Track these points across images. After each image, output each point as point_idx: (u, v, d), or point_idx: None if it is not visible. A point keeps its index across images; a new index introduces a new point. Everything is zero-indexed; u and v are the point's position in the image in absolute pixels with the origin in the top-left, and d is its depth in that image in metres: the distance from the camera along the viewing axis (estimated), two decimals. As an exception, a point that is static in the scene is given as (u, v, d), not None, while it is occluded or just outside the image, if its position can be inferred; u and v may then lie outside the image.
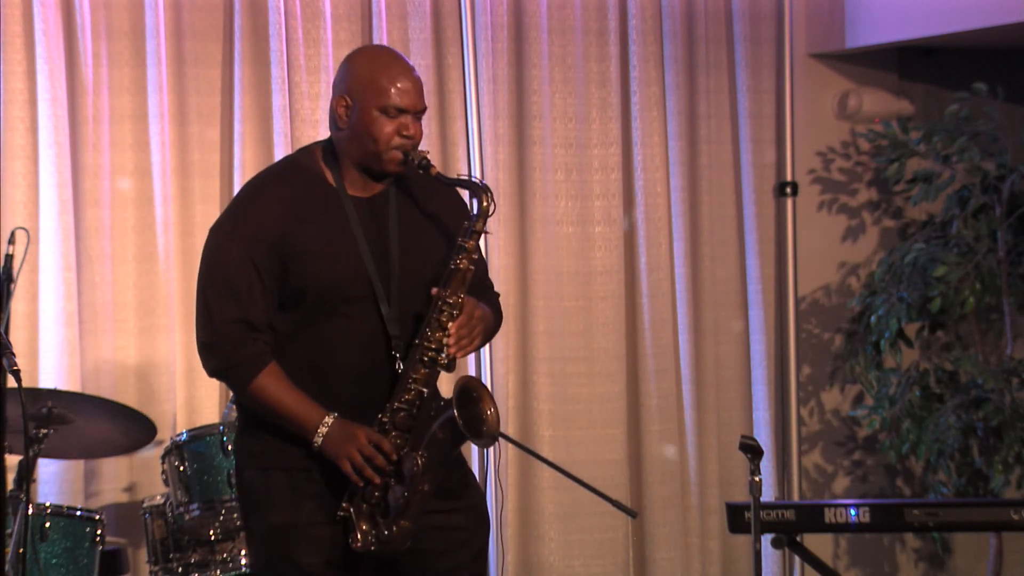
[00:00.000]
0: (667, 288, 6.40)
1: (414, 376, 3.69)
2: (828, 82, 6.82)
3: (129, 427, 5.11)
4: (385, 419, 3.69)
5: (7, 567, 4.49)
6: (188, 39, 5.80)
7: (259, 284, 3.67)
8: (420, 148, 3.75)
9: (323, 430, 3.65)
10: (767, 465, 6.43)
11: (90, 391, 5.46)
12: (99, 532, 4.96)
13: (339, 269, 3.70)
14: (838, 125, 6.85)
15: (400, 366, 3.70)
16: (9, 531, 4.65)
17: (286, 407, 3.67)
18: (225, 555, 5.11)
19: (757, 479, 4.44)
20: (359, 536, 3.67)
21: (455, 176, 3.81)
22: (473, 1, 6.11)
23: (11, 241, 4.99)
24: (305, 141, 5.89)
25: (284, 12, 5.86)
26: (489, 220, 3.76)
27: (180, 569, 5.12)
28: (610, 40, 6.34)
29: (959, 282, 6.25)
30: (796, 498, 6.56)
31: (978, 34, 6.35)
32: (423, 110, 3.77)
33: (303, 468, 3.71)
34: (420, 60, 6.02)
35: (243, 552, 5.13)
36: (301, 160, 3.84)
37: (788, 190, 6.62)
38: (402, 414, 3.69)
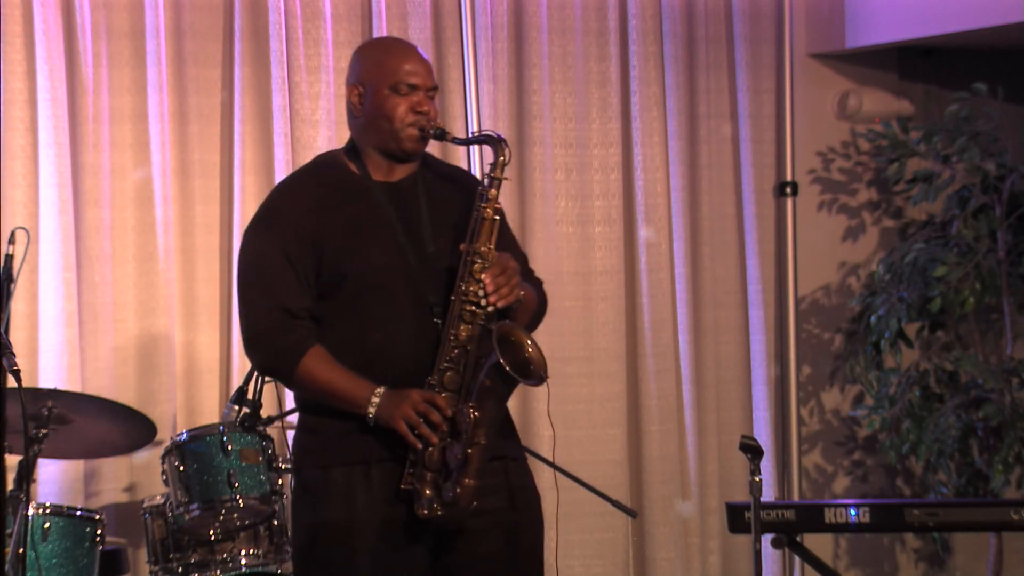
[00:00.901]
0: (667, 288, 6.40)
1: (455, 333, 3.70)
2: (828, 82, 6.82)
3: (129, 427, 5.11)
4: (434, 380, 3.69)
5: (7, 567, 4.50)
6: (188, 39, 5.80)
7: (293, 273, 3.71)
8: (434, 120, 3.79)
9: (375, 400, 3.66)
10: (767, 465, 6.43)
11: (90, 391, 5.46)
12: (99, 532, 4.96)
13: (373, 252, 3.73)
14: (838, 125, 6.85)
15: (441, 327, 3.72)
16: (9, 531, 4.65)
17: (335, 385, 3.70)
18: (225, 555, 5.11)
19: (757, 479, 4.44)
20: (423, 503, 3.66)
21: (470, 135, 3.84)
22: (473, 1, 6.11)
23: (11, 241, 4.99)
24: (305, 141, 5.91)
25: (284, 12, 5.86)
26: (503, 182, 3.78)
27: (180, 569, 5.12)
28: (610, 40, 6.34)
29: (959, 282, 6.25)
30: (796, 498, 6.56)
31: (978, 34, 6.35)
32: (434, 87, 3.81)
33: (361, 462, 3.72)
34: (420, 60, 6.03)
35: (243, 552, 5.13)
36: (325, 158, 3.92)
37: (788, 190, 6.62)
38: (449, 373, 3.70)
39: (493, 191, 3.74)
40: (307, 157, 5.86)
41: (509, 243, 3.91)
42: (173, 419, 5.70)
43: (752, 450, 4.41)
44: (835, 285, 6.86)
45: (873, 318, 6.45)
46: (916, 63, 6.89)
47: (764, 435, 6.53)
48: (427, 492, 3.67)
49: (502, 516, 3.77)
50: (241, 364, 5.72)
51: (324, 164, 3.89)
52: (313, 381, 3.72)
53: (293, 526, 3.91)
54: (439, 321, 3.72)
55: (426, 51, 6.04)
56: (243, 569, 5.06)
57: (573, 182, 6.29)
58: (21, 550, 4.67)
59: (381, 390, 3.67)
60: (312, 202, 3.77)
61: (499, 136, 3.79)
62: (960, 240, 6.30)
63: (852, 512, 4.84)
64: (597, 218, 6.30)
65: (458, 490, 3.65)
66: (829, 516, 4.85)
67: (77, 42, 5.63)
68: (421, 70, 3.78)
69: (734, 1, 6.52)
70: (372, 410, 3.67)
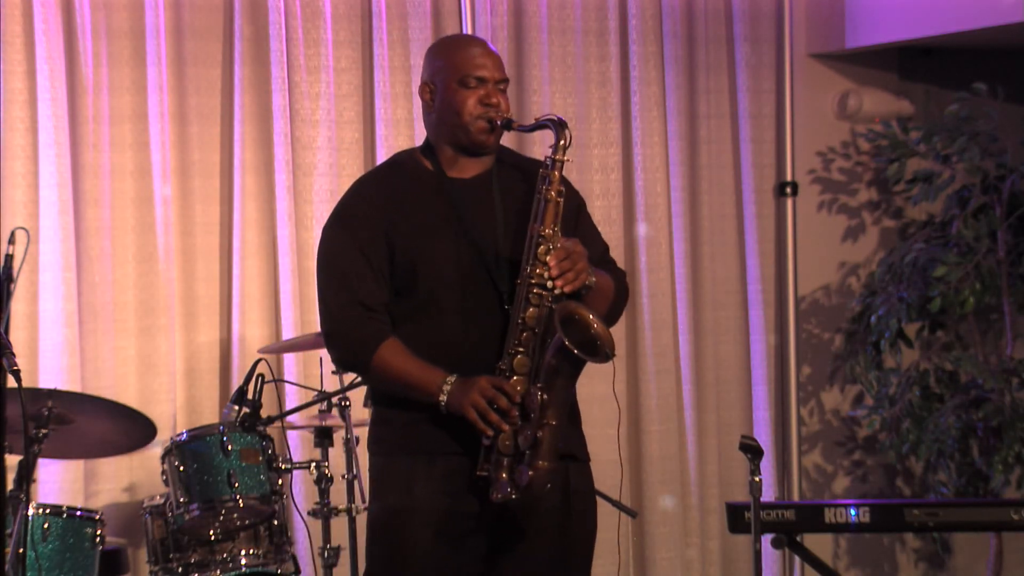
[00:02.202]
0: (667, 288, 6.40)
1: (522, 316, 3.71)
2: (828, 82, 6.82)
3: (129, 427, 5.11)
4: (504, 366, 3.71)
5: (7, 567, 4.50)
6: (188, 39, 5.80)
7: (368, 268, 3.75)
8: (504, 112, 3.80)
9: (447, 387, 3.69)
10: (767, 465, 6.43)
11: (90, 391, 5.46)
12: (99, 532, 4.95)
13: (446, 249, 3.76)
14: (838, 125, 6.86)
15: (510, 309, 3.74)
16: (9, 531, 4.65)
17: (408, 374, 3.73)
18: (225, 555, 5.11)
19: (757, 479, 4.44)
20: (499, 487, 3.67)
21: (533, 121, 3.85)
22: (473, 1, 6.11)
23: (11, 241, 4.98)
24: (305, 141, 5.91)
25: (284, 12, 5.86)
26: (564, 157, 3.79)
27: (180, 569, 5.12)
28: (610, 40, 6.34)
29: (959, 282, 6.25)
30: (796, 498, 6.56)
31: (978, 34, 6.36)
32: (504, 80, 3.83)
33: (426, 453, 3.75)
34: (420, 60, 6.02)
35: (243, 552, 5.13)
36: (399, 157, 3.95)
37: (788, 190, 6.62)
38: (519, 356, 3.70)
39: (556, 173, 3.76)
40: (307, 157, 5.89)
41: (589, 231, 3.93)
42: (173, 419, 5.70)
43: (752, 450, 4.42)
44: (835, 285, 6.86)
45: (873, 318, 6.45)
46: (916, 63, 6.89)
47: (764, 435, 6.53)
48: (502, 476, 3.68)
49: (556, 518, 3.79)
50: (241, 364, 5.73)
51: (399, 162, 3.92)
52: (388, 371, 3.75)
53: (367, 512, 3.95)
54: (508, 308, 3.74)
55: (425, 52, 6.04)
56: (243, 569, 5.06)
57: (573, 182, 6.26)
58: (21, 550, 4.67)
59: (452, 378, 3.70)
60: (386, 199, 3.80)
61: (560, 119, 3.80)
62: (960, 240, 6.30)
63: (852, 512, 4.84)
64: (597, 218, 6.24)
65: (531, 472, 3.66)
66: (829, 516, 4.85)
67: (77, 42, 5.63)
68: (489, 63, 3.80)
69: (734, 1, 6.52)
70: (444, 397, 3.70)
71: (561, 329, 3.63)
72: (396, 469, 3.79)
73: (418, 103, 5.99)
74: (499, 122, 3.78)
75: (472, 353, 3.75)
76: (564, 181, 3.82)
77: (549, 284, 3.70)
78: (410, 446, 3.77)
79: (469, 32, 6.07)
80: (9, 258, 4.96)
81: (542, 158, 3.83)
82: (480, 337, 3.75)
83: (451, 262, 3.75)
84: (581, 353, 3.63)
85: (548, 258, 3.70)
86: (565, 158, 3.78)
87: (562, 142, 3.77)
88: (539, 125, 3.85)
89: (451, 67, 3.80)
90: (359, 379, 4.97)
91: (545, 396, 3.67)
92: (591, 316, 3.68)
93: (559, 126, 3.78)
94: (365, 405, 5.25)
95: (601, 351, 3.66)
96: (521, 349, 3.71)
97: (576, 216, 3.90)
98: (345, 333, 3.78)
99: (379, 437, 3.86)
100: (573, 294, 3.75)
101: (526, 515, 3.74)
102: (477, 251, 3.76)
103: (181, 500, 5.03)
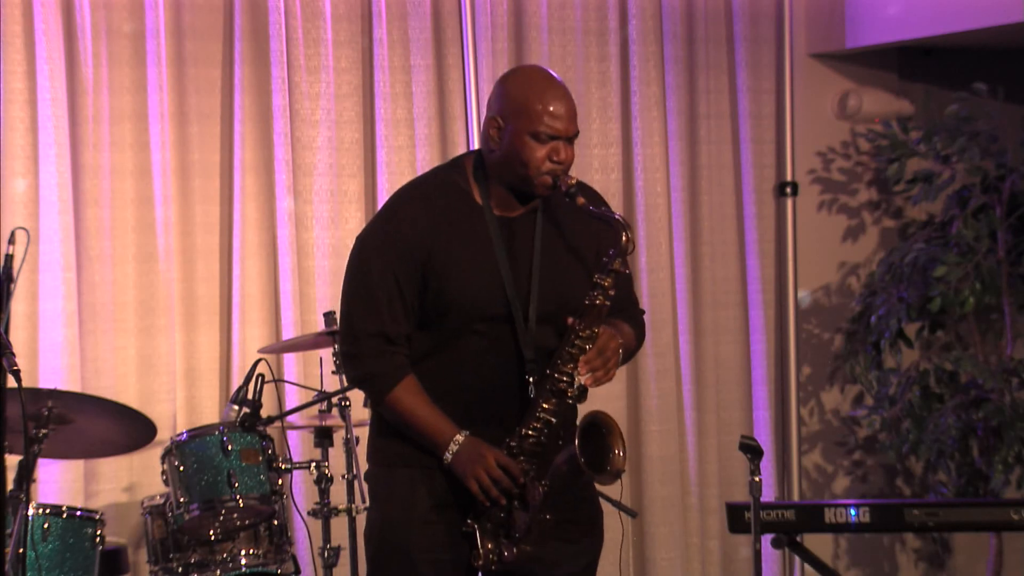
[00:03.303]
0: (667, 288, 6.41)
1: (544, 405, 3.70)
2: (828, 82, 6.82)
3: (129, 427, 5.11)
4: (513, 444, 3.71)
5: (7, 567, 4.50)
6: (188, 39, 5.80)
7: (399, 299, 3.71)
8: (569, 175, 3.72)
9: (454, 447, 3.69)
10: (767, 465, 6.43)
11: (90, 391, 5.46)
12: (99, 532, 4.96)
13: (479, 288, 3.71)
14: (838, 125, 6.86)
15: (532, 389, 3.72)
16: (9, 531, 4.65)
17: (420, 421, 3.72)
18: (225, 555, 5.11)
19: (757, 479, 4.44)
20: (481, 554, 3.71)
21: (600, 209, 3.77)
22: (473, 1, 6.11)
23: (11, 241, 4.98)
24: (305, 141, 5.90)
25: (284, 12, 5.86)
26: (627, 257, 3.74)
27: (180, 569, 5.12)
28: (610, 40, 6.34)
29: (959, 282, 6.25)
30: (796, 498, 6.56)
31: (978, 34, 6.36)
32: (575, 135, 3.74)
33: (425, 466, 3.75)
34: (420, 60, 6.02)
35: (243, 552, 5.13)
36: (451, 175, 3.83)
37: (788, 190, 6.62)
38: (530, 440, 3.71)
39: (608, 280, 3.70)
40: (307, 157, 5.89)
41: (625, 286, 3.86)
42: (173, 419, 5.70)
43: (752, 450, 4.41)
44: (835, 285, 6.86)
45: (873, 318, 6.45)
46: (916, 63, 6.89)
47: (764, 435, 6.53)
48: (488, 544, 3.71)
49: (564, 527, 3.79)
50: (241, 364, 5.73)
51: (448, 184, 3.80)
52: (401, 411, 3.74)
53: (366, 520, 3.96)
54: (530, 379, 3.72)
55: (426, 51, 6.05)
56: (243, 569, 5.06)
57: (573, 182, 6.28)
58: (21, 550, 4.67)
59: (462, 437, 3.69)
60: (428, 224, 3.72)
61: (624, 222, 3.73)
62: (960, 240, 6.30)
63: (852, 512, 4.84)
64: (597, 218, 6.29)
65: (515, 551, 3.71)
66: (829, 516, 4.85)
67: (77, 42, 5.63)
68: (565, 117, 3.69)
69: (734, 1, 6.52)
70: (449, 456, 3.70)
71: (580, 437, 3.65)
72: (395, 480, 3.78)
73: (419, 103, 6.04)
74: (563, 188, 3.69)
75: (482, 405, 3.74)
76: (618, 276, 3.74)
77: (575, 383, 3.71)
78: (409, 458, 3.77)
79: (469, 32, 6.07)
80: (9, 258, 4.96)
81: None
82: (493, 392, 3.74)
83: (479, 301, 3.71)
84: (588, 470, 3.65)
85: (581, 359, 3.69)
86: (625, 269, 3.73)
87: (624, 243, 3.69)
88: (603, 217, 3.76)
89: (526, 116, 3.68)
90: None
91: (545, 492, 3.70)
92: (616, 435, 3.71)
93: (623, 228, 3.71)
94: (365, 405, 5.25)
95: (608, 474, 3.69)
96: (534, 434, 3.70)
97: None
98: (365, 362, 3.75)
99: (379, 447, 3.86)
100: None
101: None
102: (508, 304, 3.71)
103: (181, 500, 5.03)
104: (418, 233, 3.71)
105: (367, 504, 3.98)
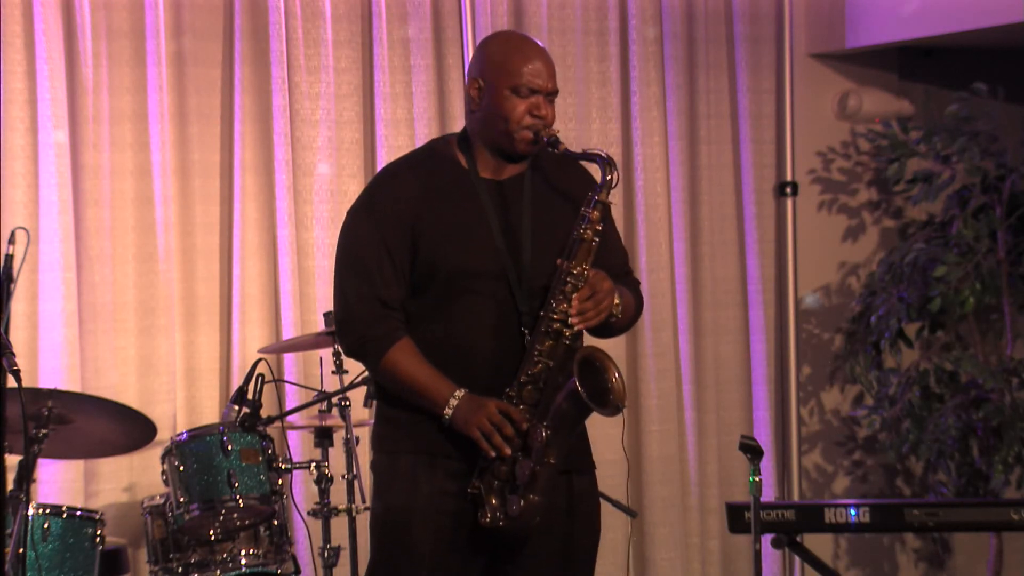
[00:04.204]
0: (667, 288, 6.40)
1: (539, 348, 3.70)
2: (828, 82, 6.82)
3: (129, 427, 5.11)
4: (512, 392, 3.70)
5: (7, 567, 4.50)
6: (188, 39, 5.80)
7: (389, 263, 3.73)
8: (550, 128, 3.77)
9: (453, 402, 3.69)
10: (767, 465, 6.43)
11: (90, 391, 5.46)
12: (99, 532, 4.95)
13: (470, 248, 3.73)
14: (838, 125, 6.86)
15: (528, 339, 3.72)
16: (9, 531, 4.65)
17: (417, 382, 3.72)
18: (225, 555, 5.11)
19: (757, 479, 4.44)
20: (488, 511, 3.68)
21: (581, 150, 3.81)
22: (473, 1, 6.11)
23: (11, 241, 4.98)
24: (305, 141, 5.91)
25: (284, 12, 5.86)
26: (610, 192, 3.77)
27: (180, 569, 5.12)
28: (610, 40, 6.34)
29: (959, 282, 6.25)
30: (796, 498, 6.56)
31: (978, 34, 6.36)
32: (555, 91, 3.79)
33: (428, 453, 3.75)
34: (420, 60, 6.02)
35: (243, 552, 5.13)
36: (435, 146, 3.90)
37: (788, 190, 6.62)
38: (529, 387, 3.70)
39: (596, 214, 3.73)
40: (307, 157, 5.89)
41: (612, 240, 3.90)
42: (173, 419, 5.70)
43: (752, 450, 4.41)
44: (835, 285, 6.86)
45: (873, 318, 6.45)
46: (916, 63, 6.89)
47: (764, 435, 6.53)
48: (492, 500, 3.69)
49: (559, 520, 3.79)
50: (241, 364, 5.73)
51: (434, 152, 3.87)
52: (397, 374, 3.74)
53: (370, 508, 3.96)
54: (526, 331, 3.72)
55: (426, 51, 6.05)
56: (243, 569, 5.06)
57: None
58: (21, 550, 4.67)
59: (461, 393, 3.69)
60: (416, 191, 3.76)
61: (608, 157, 3.77)
62: (960, 240, 6.30)
63: (852, 512, 4.84)
64: (597, 218, 6.29)
65: (523, 503, 3.67)
66: (829, 516, 4.85)
67: (77, 42, 5.62)
68: (543, 72, 3.76)
69: (734, 1, 6.52)
70: (449, 411, 3.69)
71: (578, 373, 3.63)
72: (399, 468, 3.78)
73: (419, 103, 6.03)
74: (545, 138, 3.74)
75: (481, 365, 3.73)
76: (593, 181, 3.79)
77: (570, 320, 3.70)
78: (413, 446, 3.77)
79: (469, 32, 6.07)
80: (9, 258, 4.96)
81: (580, 155, 3.79)
82: (490, 348, 3.74)
83: (471, 267, 3.73)
84: (590, 402, 3.63)
85: (572, 297, 3.69)
86: (610, 200, 3.76)
87: (609, 179, 3.74)
88: (587, 156, 3.81)
89: (505, 71, 3.75)
90: (359, 379, 4.98)
91: (549, 434, 3.67)
92: (612, 367, 3.69)
93: (608, 164, 3.75)
94: (365, 405, 5.25)
95: (612, 404, 3.67)
96: (532, 380, 3.70)
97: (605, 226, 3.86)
98: (359, 327, 3.76)
99: (383, 435, 3.86)
100: (599, 328, 3.76)
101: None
102: (499, 260, 3.74)
103: (181, 500, 5.03)
104: (405, 199, 3.74)
105: (367, 504, 3.98)
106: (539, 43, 3.84)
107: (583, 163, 3.86)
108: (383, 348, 3.73)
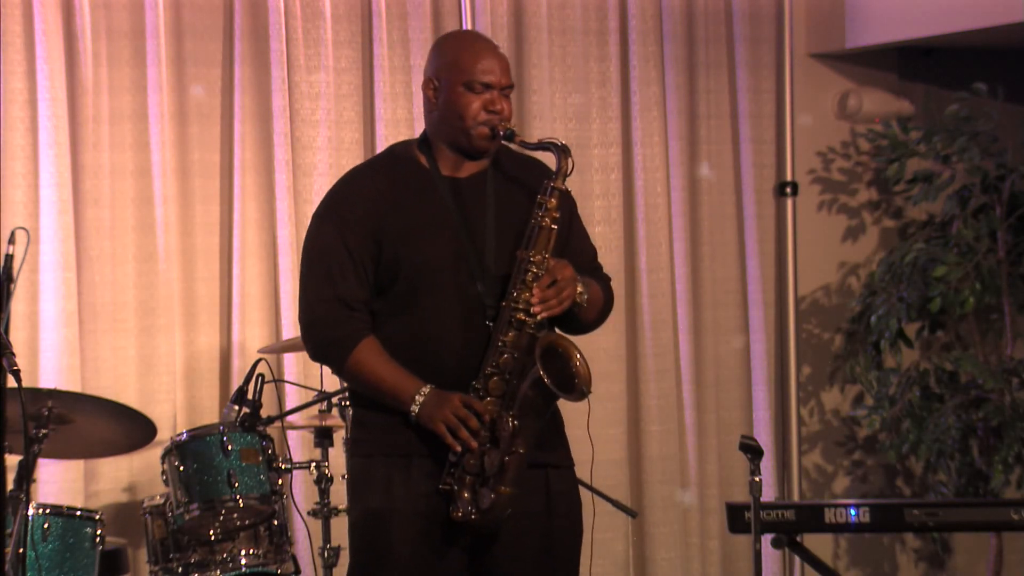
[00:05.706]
0: (667, 288, 6.40)
1: (503, 339, 3.71)
2: (828, 82, 6.82)
3: (129, 427, 5.11)
4: (479, 385, 3.71)
5: (7, 567, 4.50)
6: (188, 39, 5.80)
7: (352, 264, 3.74)
8: (508, 122, 3.79)
9: (419, 399, 3.70)
10: (767, 465, 6.43)
11: (90, 391, 5.46)
12: (99, 532, 4.96)
13: (433, 247, 3.74)
14: (838, 125, 6.85)
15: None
16: (9, 531, 4.65)
17: (382, 380, 3.73)
18: (225, 555, 5.11)
19: (757, 479, 4.44)
20: (459, 506, 3.69)
21: (536, 141, 3.83)
22: (473, 1, 6.11)
23: (11, 241, 4.99)
24: (305, 141, 5.91)
25: (284, 12, 5.86)
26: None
27: (180, 569, 5.12)
28: (610, 40, 6.34)
29: (959, 282, 6.25)
30: (796, 498, 6.56)
31: (978, 34, 6.35)
32: (509, 86, 3.81)
33: (403, 455, 3.75)
34: (420, 60, 6.02)
35: (243, 552, 5.13)
36: (396, 149, 3.93)
37: (788, 190, 6.62)
38: (495, 378, 3.71)
39: (552, 200, 3.75)
40: (307, 157, 5.89)
41: (580, 237, 3.93)
42: (173, 419, 5.70)
43: (752, 450, 4.41)
44: (835, 285, 6.86)
45: (873, 318, 6.45)
46: (916, 63, 6.89)
47: (764, 435, 6.53)
48: (464, 495, 3.69)
49: (539, 520, 3.79)
50: (241, 364, 5.73)
51: (395, 155, 3.89)
52: (362, 373, 3.75)
53: (348, 514, 3.96)
54: (491, 324, 3.73)
55: (426, 51, 6.03)
56: (243, 569, 5.06)
57: (573, 182, 6.23)
58: (21, 550, 4.67)
59: (427, 389, 3.70)
60: (377, 192, 3.78)
61: (563, 145, 3.79)
62: (960, 240, 6.30)
63: (852, 512, 4.83)
64: (597, 218, 6.30)
65: (493, 496, 3.67)
66: (829, 516, 4.84)
67: (77, 42, 5.63)
68: (496, 68, 3.78)
69: (734, 1, 6.52)
70: (415, 408, 3.70)
71: (540, 361, 3.63)
72: (374, 471, 3.78)
73: (418, 103, 6.03)
74: (502, 132, 3.76)
75: (448, 360, 3.74)
76: (563, 197, 3.80)
77: (532, 310, 3.70)
78: (388, 448, 3.77)
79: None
80: (9, 258, 4.96)
81: (539, 151, 3.81)
82: (455, 344, 3.74)
83: (433, 264, 3.74)
84: (555, 389, 3.63)
85: (534, 286, 3.70)
86: (564, 186, 3.78)
87: (563, 168, 3.76)
88: (542, 146, 3.83)
89: (458, 68, 3.78)
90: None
91: (516, 424, 3.67)
92: (575, 353, 3.69)
93: (562, 152, 3.77)
94: None
95: (577, 389, 3.67)
96: (497, 371, 3.71)
97: (569, 220, 3.89)
98: (322, 329, 3.78)
99: (357, 439, 3.87)
100: (562, 317, 3.76)
101: (507, 519, 3.73)
102: (461, 256, 3.75)
103: (181, 500, 5.03)
104: (366, 201, 3.77)
105: (347, 506, 3.97)
106: (491, 40, 3.90)
107: (542, 157, 3.86)
108: (347, 349, 3.74)
